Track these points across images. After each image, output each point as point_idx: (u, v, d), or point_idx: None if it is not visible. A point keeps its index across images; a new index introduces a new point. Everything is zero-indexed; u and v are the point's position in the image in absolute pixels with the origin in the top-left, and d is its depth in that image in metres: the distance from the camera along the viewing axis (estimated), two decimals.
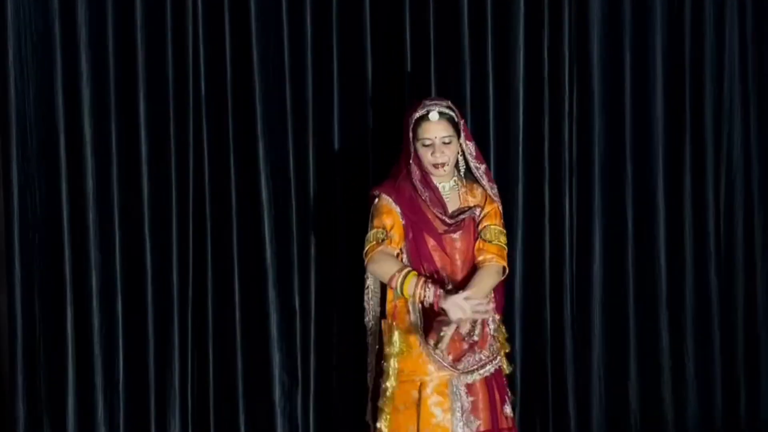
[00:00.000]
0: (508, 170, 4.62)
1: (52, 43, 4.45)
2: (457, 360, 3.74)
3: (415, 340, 3.75)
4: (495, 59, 4.60)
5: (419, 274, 3.69)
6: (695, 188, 4.76)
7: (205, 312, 4.58)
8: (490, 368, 3.81)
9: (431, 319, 3.71)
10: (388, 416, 3.75)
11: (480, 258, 3.82)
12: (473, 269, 3.81)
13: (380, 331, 3.85)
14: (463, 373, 3.74)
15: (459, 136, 3.80)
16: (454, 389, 3.74)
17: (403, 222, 3.77)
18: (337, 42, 4.54)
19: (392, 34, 4.55)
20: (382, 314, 3.87)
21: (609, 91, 4.69)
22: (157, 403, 4.58)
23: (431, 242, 3.79)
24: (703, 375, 4.80)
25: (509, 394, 3.91)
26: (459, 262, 3.82)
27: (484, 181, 3.87)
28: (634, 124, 4.71)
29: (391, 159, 4.02)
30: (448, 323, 3.61)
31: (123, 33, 4.47)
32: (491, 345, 3.83)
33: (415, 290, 3.64)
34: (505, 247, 3.86)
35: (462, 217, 3.81)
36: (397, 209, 3.78)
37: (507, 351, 3.91)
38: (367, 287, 3.93)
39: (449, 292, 3.66)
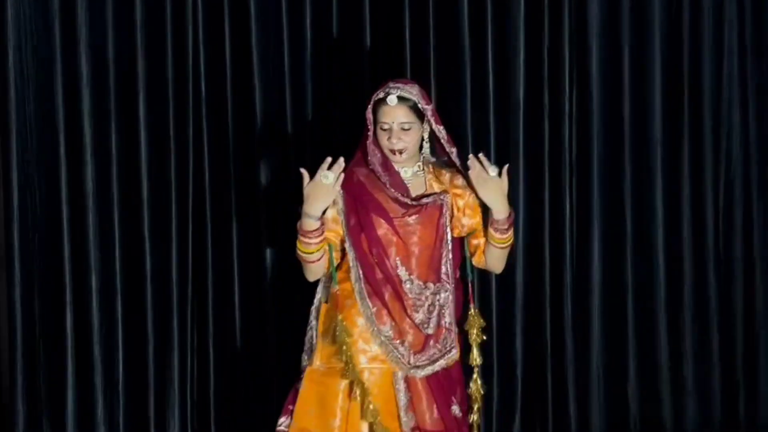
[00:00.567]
0: None
1: (52, 43, 4.45)
2: (419, 353, 3.51)
3: (356, 328, 3.52)
4: (495, 59, 4.60)
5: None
6: (694, 188, 4.75)
7: (205, 312, 4.58)
8: (442, 362, 3.54)
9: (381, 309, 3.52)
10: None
11: (475, 242, 3.62)
12: (437, 267, 3.55)
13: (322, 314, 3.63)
14: (413, 367, 3.51)
15: (422, 122, 3.56)
16: (396, 383, 3.51)
17: (344, 207, 3.55)
18: (337, 42, 4.54)
19: (392, 34, 4.55)
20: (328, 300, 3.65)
21: (608, 91, 4.68)
22: (156, 403, 4.59)
23: (383, 226, 3.54)
24: (702, 375, 4.79)
25: (463, 392, 3.63)
26: (415, 249, 3.54)
27: (458, 163, 3.62)
28: (633, 125, 4.70)
29: None
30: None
31: (123, 33, 4.47)
32: (445, 338, 3.56)
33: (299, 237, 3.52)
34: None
35: (426, 201, 3.56)
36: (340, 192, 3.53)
37: (479, 341, 3.63)
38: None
39: (408, 281, 3.51)
